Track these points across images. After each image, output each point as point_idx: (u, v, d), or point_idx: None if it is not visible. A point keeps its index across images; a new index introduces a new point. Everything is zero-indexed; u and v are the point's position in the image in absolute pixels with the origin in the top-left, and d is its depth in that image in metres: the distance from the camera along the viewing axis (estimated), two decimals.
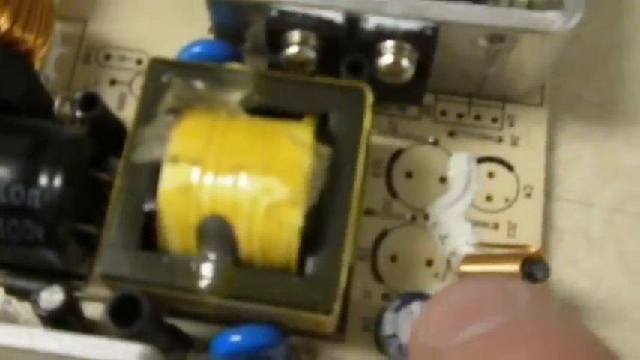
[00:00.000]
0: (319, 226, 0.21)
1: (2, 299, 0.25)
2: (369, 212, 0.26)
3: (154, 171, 0.21)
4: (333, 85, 0.22)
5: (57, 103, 0.24)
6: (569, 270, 0.26)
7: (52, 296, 0.22)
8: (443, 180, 0.26)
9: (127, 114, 0.26)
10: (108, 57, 0.28)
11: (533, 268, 0.22)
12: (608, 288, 0.25)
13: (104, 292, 0.22)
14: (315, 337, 0.24)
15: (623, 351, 0.25)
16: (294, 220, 0.20)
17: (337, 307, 0.21)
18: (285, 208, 0.20)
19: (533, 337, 0.16)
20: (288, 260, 0.21)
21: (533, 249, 0.23)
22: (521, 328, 0.16)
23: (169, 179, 0.21)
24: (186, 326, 0.24)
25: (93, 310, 0.24)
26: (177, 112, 0.22)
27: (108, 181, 0.23)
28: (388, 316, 0.22)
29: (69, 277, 0.24)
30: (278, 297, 0.21)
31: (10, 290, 0.24)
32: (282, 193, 0.20)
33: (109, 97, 0.27)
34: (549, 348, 0.15)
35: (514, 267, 0.22)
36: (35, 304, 0.22)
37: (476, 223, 0.25)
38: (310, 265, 0.21)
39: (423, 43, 0.23)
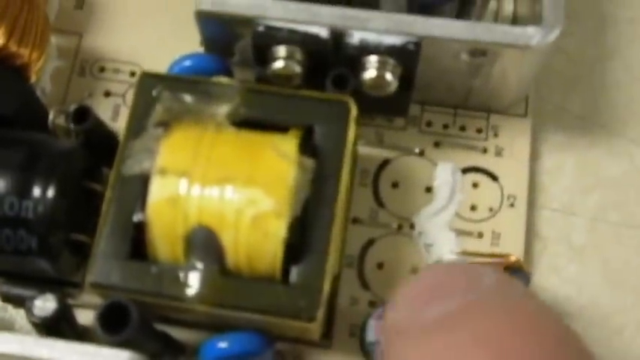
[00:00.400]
0: (303, 236, 0.22)
1: None
2: (355, 221, 0.26)
3: (143, 183, 0.22)
4: (318, 99, 0.23)
5: (51, 115, 0.25)
6: (552, 277, 0.26)
7: (45, 304, 0.22)
8: (428, 190, 0.27)
9: (121, 125, 0.26)
10: (102, 69, 0.29)
11: (514, 276, 0.23)
12: (590, 295, 0.26)
13: (98, 299, 0.23)
14: (302, 343, 0.25)
15: (604, 355, 0.25)
16: (278, 230, 0.21)
17: (320, 314, 0.21)
18: (270, 219, 0.21)
19: (496, 312, 0.16)
20: (273, 269, 0.21)
21: (513, 258, 0.23)
22: (485, 304, 0.16)
23: (158, 191, 0.21)
24: (177, 333, 0.24)
25: (87, 317, 0.24)
26: (166, 125, 0.23)
27: (101, 191, 0.24)
28: (371, 324, 0.23)
29: (63, 285, 0.25)
30: (263, 305, 0.21)
31: (6, 298, 0.25)
32: (266, 204, 0.21)
33: (104, 109, 0.28)
34: (512, 322, 0.16)
35: None
36: (29, 311, 0.22)
37: (460, 232, 0.26)
38: (294, 274, 0.21)
39: (405, 57, 0.23)
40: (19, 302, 0.25)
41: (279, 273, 0.21)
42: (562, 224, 0.27)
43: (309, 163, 0.22)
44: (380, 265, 0.26)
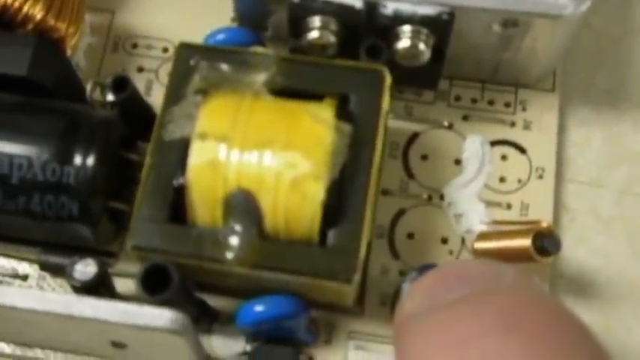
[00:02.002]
0: (340, 200, 0.22)
1: (37, 275, 0.26)
2: (386, 192, 0.27)
3: (183, 148, 0.22)
4: (353, 68, 0.23)
5: (89, 87, 0.26)
6: (580, 249, 0.26)
7: (86, 268, 0.23)
8: (457, 162, 0.27)
9: (154, 100, 0.27)
10: (135, 46, 0.29)
11: (545, 242, 0.23)
12: (617, 266, 0.26)
13: (133, 268, 0.23)
14: (335, 311, 0.25)
15: (632, 325, 0.26)
16: (316, 193, 0.21)
17: (357, 277, 0.22)
18: (309, 182, 0.21)
19: (520, 301, 0.16)
20: (311, 232, 0.22)
21: (544, 224, 0.23)
22: (508, 293, 0.16)
23: (198, 154, 0.22)
24: (211, 301, 0.25)
25: (122, 285, 0.25)
26: (204, 92, 0.23)
27: (137, 162, 0.24)
28: (405, 287, 0.23)
29: (100, 255, 0.25)
30: (301, 267, 0.22)
31: (44, 266, 0.25)
32: (305, 167, 0.21)
33: (137, 84, 0.28)
34: (539, 313, 0.16)
35: (526, 242, 0.23)
36: (69, 275, 0.23)
37: (489, 204, 0.26)
38: (331, 237, 0.22)
39: (439, 27, 0.24)
40: (56, 271, 0.25)
41: (317, 236, 0.22)
42: (590, 197, 0.27)
43: (347, 127, 0.22)
44: (410, 235, 0.26)
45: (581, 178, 0.27)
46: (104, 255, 0.25)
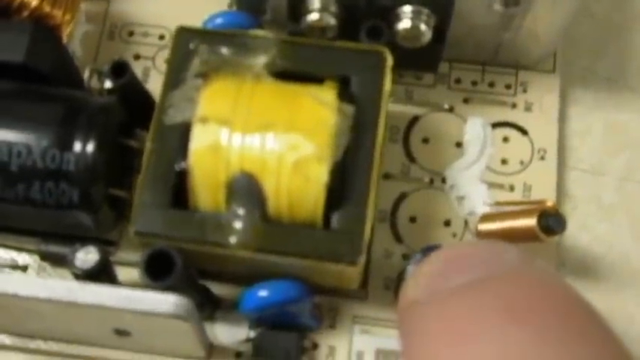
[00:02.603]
0: (344, 183, 0.22)
1: (37, 266, 0.26)
2: (387, 176, 0.26)
3: (184, 132, 0.22)
4: (354, 49, 0.23)
5: (86, 74, 0.25)
6: (582, 236, 0.26)
7: (88, 256, 0.23)
8: (459, 145, 0.27)
9: (152, 87, 0.27)
10: (131, 33, 0.29)
11: (550, 221, 0.23)
12: (620, 252, 0.26)
13: (134, 257, 0.23)
14: (339, 295, 0.25)
15: (634, 312, 0.26)
16: (320, 175, 0.21)
17: (362, 259, 0.21)
18: (312, 164, 0.21)
19: (523, 283, 0.16)
20: (315, 215, 0.22)
21: (549, 203, 0.23)
22: (511, 275, 0.16)
23: (199, 138, 0.22)
24: (214, 288, 0.25)
25: (123, 274, 0.25)
26: (204, 76, 0.23)
27: (137, 149, 0.24)
28: (410, 269, 0.23)
29: (100, 243, 0.25)
30: (305, 250, 0.21)
31: (45, 256, 0.25)
32: (308, 149, 0.21)
33: None
34: (541, 293, 0.16)
35: (531, 221, 0.23)
36: (71, 263, 0.23)
37: (492, 185, 0.26)
38: (335, 219, 0.22)
39: (440, 7, 0.24)
40: (57, 260, 0.25)
41: (321, 219, 0.22)
42: (592, 184, 0.27)
43: (349, 109, 0.22)
44: (412, 219, 0.26)
45: (582, 166, 0.27)
46: (105, 244, 0.25)
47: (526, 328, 0.15)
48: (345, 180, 0.22)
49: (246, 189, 0.22)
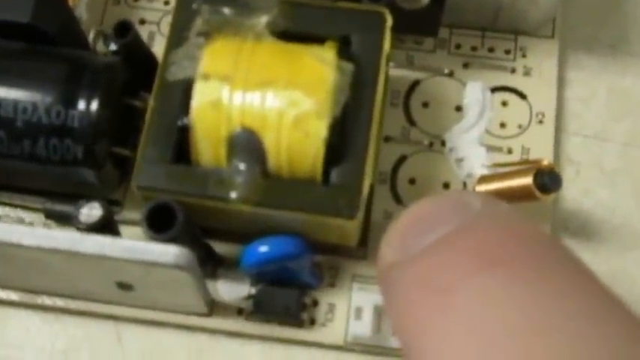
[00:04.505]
0: (343, 139, 0.22)
1: (42, 224, 0.26)
2: (388, 139, 0.27)
3: (186, 89, 0.22)
4: (354, 10, 0.24)
5: (91, 36, 0.26)
6: (585, 201, 0.27)
7: (92, 211, 0.23)
8: (458, 109, 0.27)
9: (157, 51, 0.27)
10: None
11: (546, 178, 0.23)
12: (623, 217, 0.27)
13: (138, 216, 0.23)
14: (339, 254, 0.25)
15: (636, 274, 0.26)
16: (319, 130, 0.22)
17: (360, 214, 0.22)
18: (311, 119, 0.22)
19: (495, 228, 0.16)
20: (314, 170, 0.22)
21: (545, 162, 0.24)
22: (481, 223, 0.16)
23: (201, 94, 0.22)
24: (216, 247, 0.25)
25: (127, 233, 0.25)
26: (207, 35, 0.23)
27: (140, 108, 0.25)
28: None
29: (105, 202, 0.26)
30: (305, 204, 0.22)
31: (49, 214, 0.26)
32: (307, 104, 0.22)
33: None
34: (515, 236, 0.15)
35: (527, 180, 0.23)
36: (75, 218, 0.23)
37: (491, 148, 0.26)
38: (334, 175, 0.22)
39: None
40: (61, 218, 0.25)
41: (320, 174, 0.22)
42: (594, 150, 0.27)
43: (348, 66, 0.22)
44: (412, 181, 0.26)
45: (585, 132, 0.28)
46: (109, 203, 0.26)
47: (502, 269, 0.15)
48: (345, 137, 0.22)
49: (246, 144, 0.22)
